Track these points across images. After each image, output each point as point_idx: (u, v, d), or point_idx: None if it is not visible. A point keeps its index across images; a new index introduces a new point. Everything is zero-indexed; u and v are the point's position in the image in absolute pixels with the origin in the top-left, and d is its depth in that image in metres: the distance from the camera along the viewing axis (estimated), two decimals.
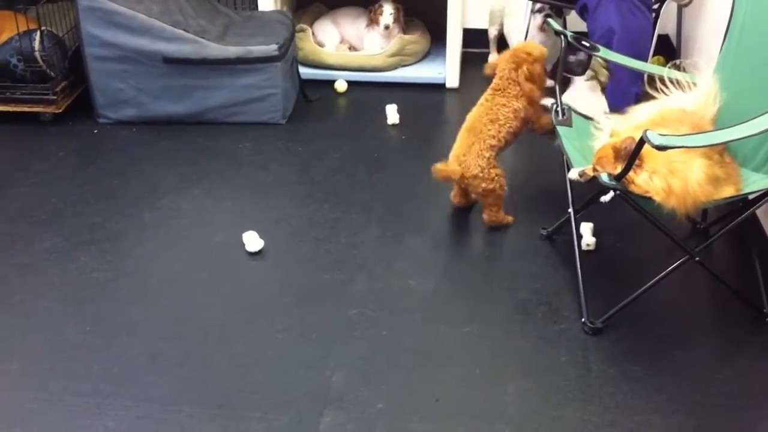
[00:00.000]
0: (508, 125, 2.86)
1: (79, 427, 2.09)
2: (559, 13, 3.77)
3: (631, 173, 2.18)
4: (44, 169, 3.30)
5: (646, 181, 2.19)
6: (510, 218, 2.93)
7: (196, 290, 2.60)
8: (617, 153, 2.23)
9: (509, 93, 2.89)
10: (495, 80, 2.94)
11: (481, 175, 2.80)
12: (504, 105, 2.87)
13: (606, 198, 2.80)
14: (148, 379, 2.24)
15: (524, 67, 2.88)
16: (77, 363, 2.30)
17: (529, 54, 2.91)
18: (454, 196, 3.01)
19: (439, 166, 2.80)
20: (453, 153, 2.88)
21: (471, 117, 2.91)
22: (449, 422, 2.10)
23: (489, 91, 2.93)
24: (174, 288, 2.61)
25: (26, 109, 3.62)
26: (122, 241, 2.84)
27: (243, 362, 2.30)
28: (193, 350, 2.35)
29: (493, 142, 2.83)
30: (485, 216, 2.90)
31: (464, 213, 3.01)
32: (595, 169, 2.30)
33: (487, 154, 2.81)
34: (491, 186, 2.82)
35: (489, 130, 2.83)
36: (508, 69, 2.90)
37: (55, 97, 3.61)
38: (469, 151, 2.82)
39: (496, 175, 2.83)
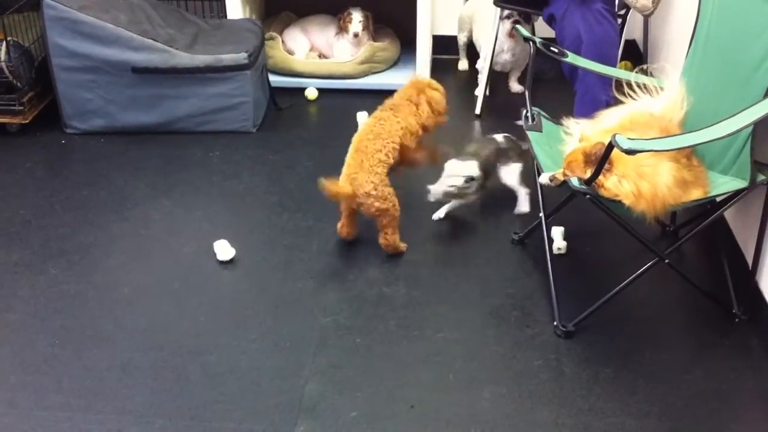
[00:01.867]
0: (391, 140, 2.77)
1: None
2: (527, 20, 3.80)
3: (600, 177, 2.20)
4: (11, 181, 3.27)
5: (616, 184, 2.21)
6: (404, 246, 2.82)
7: (167, 301, 2.58)
8: (587, 157, 2.25)
9: (401, 111, 2.86)
10: (391, 100, 2.92)
11: (374, 193, 2.67)
12: (387, 120, 2.82)
13: (439, 215, 2.94)
14: (119, 391, 2.22)
15: (428, 93, 2.89)
16: (47, 376, 2.27)
17: (434, 87, 2.94)
18: (341, 226, 2.86)
19: (328, 183, 2.63)
20: (343, 173, 2.75)
21: (356, 137, 2.81)
22: (424, 428, 2.10)
23: (377, 110, 2.89)
24: (145, 299, 2.59)
25: None
26: (92, 252, 2.82)
27: (216, 372, 2.28)
28: (165, 361, 2.33)
29: (382, 156, 2.73)
30: (381, 240, 2.78)
31: (436, 221, 3.01)
32: (565, 174, 2.31)
33: (379, 170, 2.70)
34: (384, 205, 2.70)
35: (374, 145, 2.74)
36: (410, 91, 2.90)
37: (21, 108, 3.58)
38: (360, 169, 2.70)
39: (389, 194, 2.72)
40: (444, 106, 2.96)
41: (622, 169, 2.21)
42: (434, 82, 2.96)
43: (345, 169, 2.76)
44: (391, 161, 2.77)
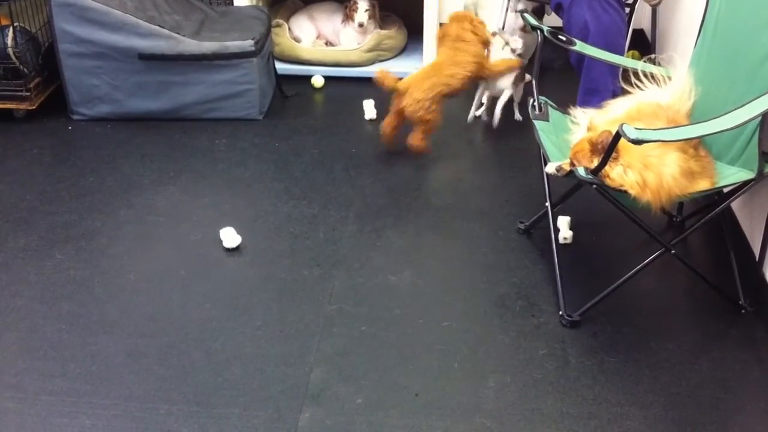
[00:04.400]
0: (464, 70, 3.28)
1: (56, 426, 2.07)
2: (540, 12, 3.79)
3: (606, 167, 2.20)
4: (18, 167, 3.27)
5: (621, 175, 2.20)
6: (429, 149, 3.32)
7: (173, 287, 2.59)
8: (593, 147, 2.24)
9: (460, 48, 3.31)
10: (448, 40, 3.35)
11: (420, 105, 3.19)
12: (463, 50, 3.31)
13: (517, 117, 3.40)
14: (125, 377, 2.23)
15: (472, 22, 3.36)
16: (53, 362, 2.28)
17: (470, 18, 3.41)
18: (386, 124, 3.32)
19: (388, 76, 3.21)
20: (410, 77, 3.27)
21: (439, 58, 3.36)
22: (429, 417, 2.10)
23: (448, 49, 3.34)
24: (151, 285, 2.60)
25: None
26: (98, 238, 2.82)
27: (221, 359, 2.29)
28: (170, 348, 2.33)
29: (444, 80, 3.24)
30: (411, 140, 3.26)
31: (442, 209, 3.02)
32: (571, 164, 2.31)
33: (435, 91, 3.21)
34: (427, 116, 3.21)
35: (448, 70, 3.26)
36: (458, 28, 3.34)
37: (28, 94, 3.58)
38: (421, 84, 3.21)
39: (434, 109, 3.22)
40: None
41: (628, 159, 2.21)
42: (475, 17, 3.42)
43: (414, 74, 3.29)
44: (450, 88, 3.27)
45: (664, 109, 2.46)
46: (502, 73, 3.47)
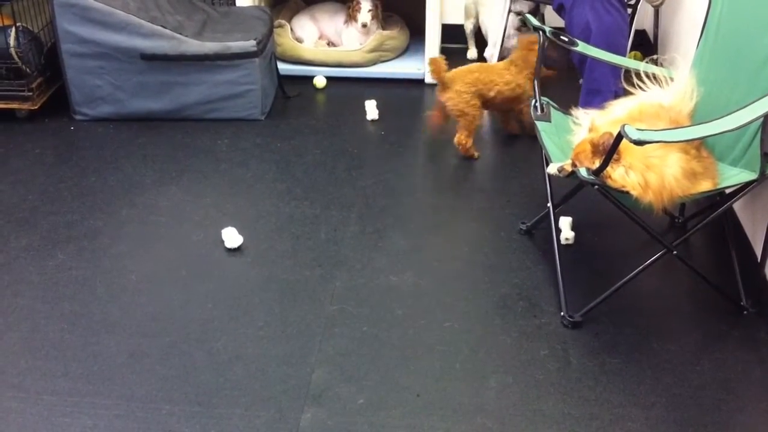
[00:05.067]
0: (503, 83, 3.34)
1: (58, 426, 2.07)
2: (534, 12, 3.80)
3: (608, 168, 2.19)
4: (20, 167, 3.27)
5: (623, 175, 2.20)
6: (476, 153, 3.36)
7: (174, 287, 2.59)
8: (595, 148, 2.24)
9: (518, 66, 3.38)
10: (513, 55, 3.44)
11: (458, 98, 3.26)
12: (510, 71, 3.38)
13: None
14: (127, 377, 2.23)
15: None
16: (55, 362, 2.28)
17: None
18: (432, 115, 3.44)
19: (442, 63, 3.29)
20: (460, 71, 3.35)
21: (492, 64, 3.57)
22: (430, 417, 2.10)
23: (507, 61, 3.45)
24: (153, 285, 2.60)
25: (1, 105, 3.59)
26: (100, 238, 2.82)
27: (223, 359, 2.29)
28: (172, 348, 2.33)
29: (482, 87, 3.31)
30: (456, 139, 3.31)
31: (444, 210, 3.02)
32: (573, 164, 2.31)
33: (472, 89, 3.28)
34: (466, 110, 3.26)
35: (488, 76, 3.33)
36: (526, 50, 3.38)
37: (30, 94, 3.58)
38: (466, 77, 3.30)
39: (473, 105, 3.27)
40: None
41: (630, 160, 2.21)
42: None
43: (464, 69, 3.36)
44: (490, 94, 3.33)
45: (666, 110, 2.45)
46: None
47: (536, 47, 3.18)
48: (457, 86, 3.26)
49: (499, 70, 3.38)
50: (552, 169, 2.41)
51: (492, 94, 3.32)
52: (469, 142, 3.31)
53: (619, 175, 2.20)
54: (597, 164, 2.21)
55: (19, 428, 2.07)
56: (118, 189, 3.12)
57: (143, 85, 3.55)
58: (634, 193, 2.20)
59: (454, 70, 3.34)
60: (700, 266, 2.55)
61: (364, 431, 2.06)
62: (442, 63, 3.28)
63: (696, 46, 2.64)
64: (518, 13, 3.76)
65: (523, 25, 3.77)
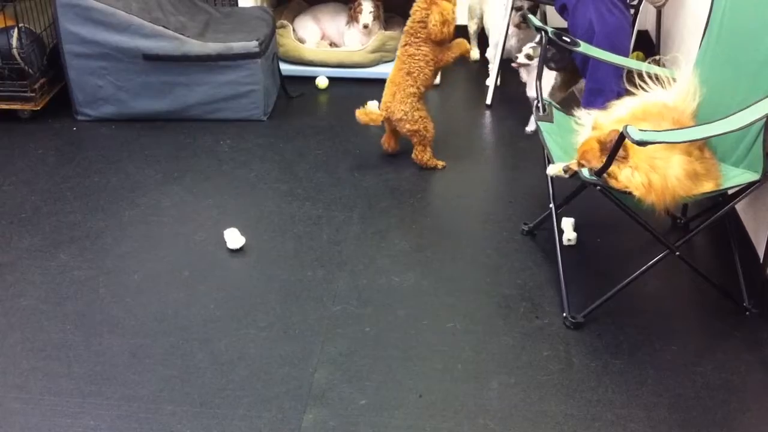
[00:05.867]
0: (422, 75, 3.19)
1: (61, 426, 2.07)
2: (534, 10, 3.79)
3: (614, 168, 2.19)
4: (22, 167, 3.28)
5: (628, 176, 2.20)
6: (440, 163, 3.29)
7: (177, 288, 2.59)
8: (603, 146, 2.23)
9: (419, 37, 3.18)
10: (407, 23, 3.21)
11: (404, 117, 3.18)
12: (413, 55, 3.19)
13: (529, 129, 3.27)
14: (129, 377, 2.23)
15: (435, 10, 3.14)
16: (58, 362, 2.28)
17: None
18: (384, 140, 3.36)
19: (360, 111, 3.20)
20: (382, 101, 3.25)
21: (392, 70, 3.26)
22: (432, 418, 2.10)
23: (402, 38, 3.24)
24: (155, 286, 2.60)
25: (4, 106, 3.59)
26: (102, 239, 2.83)
27: (225, 360, 2.29)
28: (174, 348, 2.33)
29: (412, 89, 3.19)
30: (413, 156, 3.26)
31: (446, 210, 3.02)
32: (580, 164, 2.30)
33: (409, 101, 3.18)
34: (415, 127, 3.19)
35: (406, 81, 3.19)
36: (420, 10, 3.18)
37: (33, 95, 3.58)
38: (393, 99, 3.19)
39: (420, 117, 3.19)
40: (453, 17, 3.21)
41: (636, 161, 2.20)
42: None
43: (383, 98, 3.25)
44: (422, 90, 3.22)
45: (670, 110, 2.45)
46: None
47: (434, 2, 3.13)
48: (396, 114, 3.19)
49: (417, 65, 3.18)
50: (552, 169, 2.41)
51: (426, 84, 3.21)
52: (426, 156, 3.26)
53: (625, 176, 2.20)
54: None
55: (22, 428, 2.07)
56: (121, 189, 3.12)
57: (145, 85, 3.55)
58: (636, 193, 2.20)
59: (383, 98, 3.25)
60: (703, 267, 2.54)
61: None
62: (360, 112, 3.21)
63: (698, 47, 2.63)
64: (518, 8, 3.74)
65: (523, 21, 3.76)
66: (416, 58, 3.19)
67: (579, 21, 3.26)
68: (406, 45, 3.21)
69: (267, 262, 2.72)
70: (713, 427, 2.08)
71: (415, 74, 3.19)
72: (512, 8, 3.76)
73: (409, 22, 3.21)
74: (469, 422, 2.09)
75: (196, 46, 3.49)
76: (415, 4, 3.20)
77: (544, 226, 2.84)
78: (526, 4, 3.79)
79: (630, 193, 2.21)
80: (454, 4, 3.23)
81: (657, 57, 2.86)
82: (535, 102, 2.75)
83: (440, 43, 3.21)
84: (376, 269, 2.68)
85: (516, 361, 2.30)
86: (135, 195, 3.08)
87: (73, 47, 3.49)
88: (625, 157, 2.19)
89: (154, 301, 2.53)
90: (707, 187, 2.29)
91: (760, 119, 2.15)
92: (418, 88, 3.20)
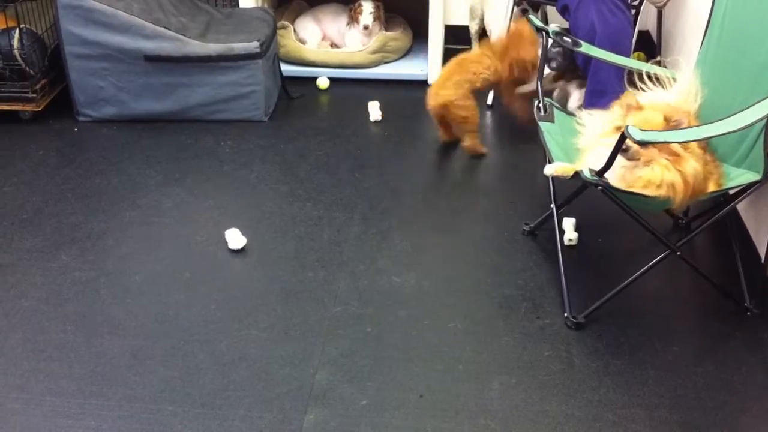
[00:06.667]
0: (484, 75, 3.32)
1: (61, 427, 2.07)
2: (536, 9, 3.79)
3: (648, 169, 2.20)
4: (24, 168, 3.28)
5: (659, 174, 2.20)
6: (484, 149, 3.40)
7: (178, 289, 2.59)
8: (667, 122, 2.26)
9: (497, 53, 3.34)
10: (495, 40, 3.42)
11: (457, 102, 3.26)
12: (489, 58, 3.33)
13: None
14: (130, 378, 2.23)
15: (519, 50, 3.30)
16: (59, 363, 2.28)
17: (524, 36, 3.32)
18: (441, 134, 3.46)
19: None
20: (434, 84, 3.38)
21: (464, 56, 3.38)
22: (433, 418, 2.10)
23: (486, 45, 3.42)
24: (156, 287, 2.60)
25: (5, 107, 3.59)
26: (103, 240, 2.83)
27: (226, 361, 2.29)
28: (175, 349, 2.34)
29: (470, 77, 3.29)
30: (462, 143, 3.37)
31: (447, 211, 3.02)
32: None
33: (465, 85, 3.27)
34: (464, 113, 3.29)
35: (471, 68, 3.30)
36: (508, 42, 3.35)
37: (34, 96, 3.59)
38: (445, 85, 3.29)
39: (470, 105, 3.28)
40: (533, 60, 3.31)
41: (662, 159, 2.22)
42: (529, 35, 3.31)
43: (437, 80, 3.38)
44: (477, 85, 3.32)
45: (674, 110, 2.45)
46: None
47: (522, 43, 3.28)
48: (449, 98, 3.26)
49: (486, 63, 3.33)
50: (549, 169, 2.41)
51: (482, 84, 3.34)
52: (476, 143, 3.37)
53: (656, 173, 2.19)
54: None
55: (23, 429, 2.07)
56: (122, 190, 3.12)
57: (147, 86, 3.55)
58: (661, 192, 2.19)
59: (437, 80, 3.38)
60: (704, 267, 2.54)
61: None
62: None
63: (699, 47, 2.63)
64: (518, 3, 3.75)
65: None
66: (489, 61, 3.32)
67: (580, 22, 3.26)
68: (486, 50, 3.38)
69: (268, 263, 2.72)
70: (714, 427, 2.08)
71: (480, 70, 3.31)
72: (513, 9, 3.76)
73: (496, 41, 3.42)
74: (470, 422, 2.09)
75: (197, 47, 3.49)
76: (510, 32, 3.40)
77: (545, 227, 2.83)
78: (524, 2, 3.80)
79: (632, 194, 2.21)
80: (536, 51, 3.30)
81: (658, 58, 2.86)
82: (536, 102, 2.75)
83: (511, 71, 3.34)
84: (376, 270, 2.68)
85: (517, 361, 2.30)
86: (136, 196, 3.09)
87: (74, 48, 3.49)
88: (678, 155, 2.19)
89: (155, 302, 2.53)
90: (710, 187, 2.29)
91: (761, 119, 2.15)
92: (474, 81, 3.30)
